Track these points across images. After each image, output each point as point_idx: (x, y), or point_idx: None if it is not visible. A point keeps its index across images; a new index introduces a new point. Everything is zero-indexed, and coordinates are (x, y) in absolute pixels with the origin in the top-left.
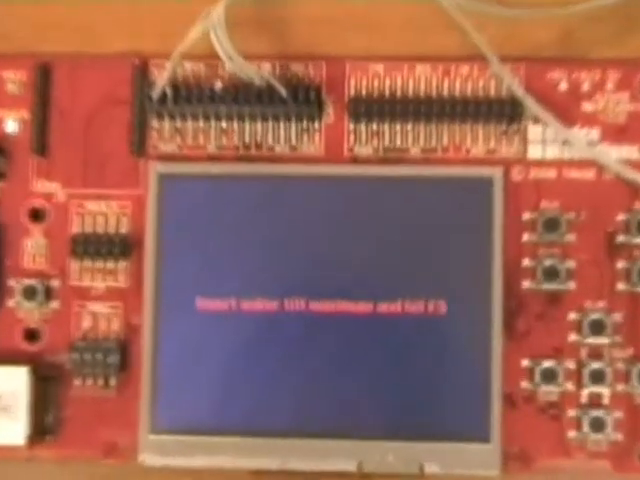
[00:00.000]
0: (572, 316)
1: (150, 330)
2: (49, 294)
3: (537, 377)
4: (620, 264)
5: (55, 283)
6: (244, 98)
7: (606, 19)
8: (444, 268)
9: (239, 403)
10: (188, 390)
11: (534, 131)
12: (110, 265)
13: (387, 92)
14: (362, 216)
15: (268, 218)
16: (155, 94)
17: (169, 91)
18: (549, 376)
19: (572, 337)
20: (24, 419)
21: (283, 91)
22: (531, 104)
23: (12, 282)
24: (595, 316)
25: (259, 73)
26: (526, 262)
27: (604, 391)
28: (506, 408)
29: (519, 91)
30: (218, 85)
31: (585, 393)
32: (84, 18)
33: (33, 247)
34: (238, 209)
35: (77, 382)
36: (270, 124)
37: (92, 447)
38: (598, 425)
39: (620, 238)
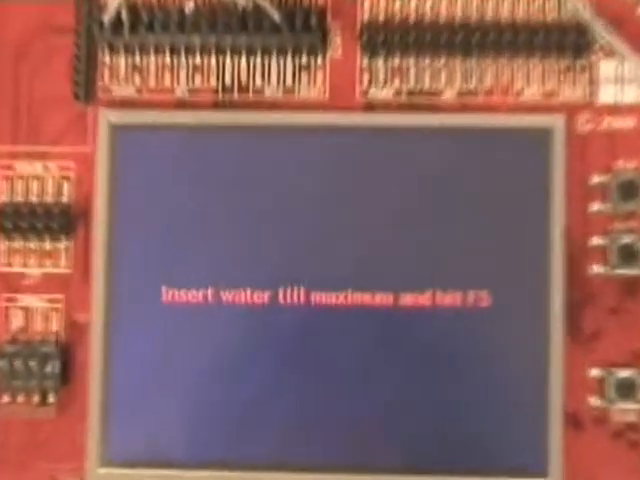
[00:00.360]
0: None
1: (101, 331)
2: None
3: (610, 391)
4: None
5: None
6: (224, 25)
7: None
8: (487, 249)
9: (216, 427)
10: (150, 410)
11: (606, 67)
12: (48, 245)
13: (412, 16)
14: (378, 180)
15: (255, 183)
16: (107, 19)
17: (125, 15)
18: (625, 390)
19: None
20: None
21: (276, 15)
22: (603, 31)
23: None
24: None
25: None
26: (595, 240)
27: None
28: (569, 432)
29: (587, 14)
30: (190, 7)
31: None
32: None
33: None
34: (216, 171)
35: (6, 398)
36: (258, 59)
37: None
38: None
39: None
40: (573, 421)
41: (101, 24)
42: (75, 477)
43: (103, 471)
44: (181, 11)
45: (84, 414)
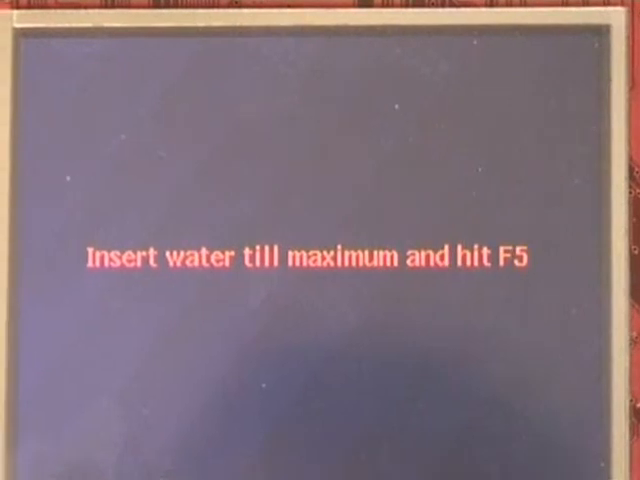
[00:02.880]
0: None
1: (5, 306)
2: None
3: None
4: None
5: None
6: None
7: None
8: (523, 189)
9: (159, 439)
10: (71, 413)
11: None
12: None
13: None
14: (378, 99)
15: (211, 103)
16: None
17: None
18: None
19: None
20: None
21: None
22: None
23: None
24: None
25: None
26: None
27: None
28: (638, 433)
29: None
30: None
31: None
32: None
33: None
34: (155, 91)
35: None
36: None
37: None
38: None
39: None
40: None
41: None
42: None
43: None
44: None
45: None
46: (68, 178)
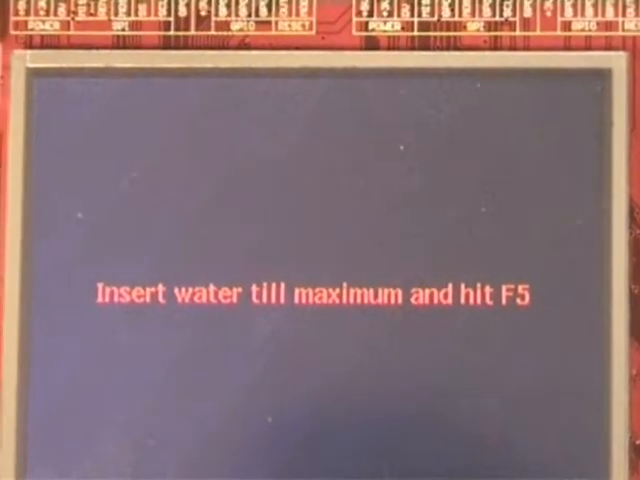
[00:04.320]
0: None
1: (16, 340)
2: None
3: None
4: None
5: None
6: None
7: None
8: (526, 229)
9: (170, 464)
10: (80, 446)
11: None
12: None
13: None
14: (383, 139)
15: (219, 144)
16: None
17: None
18: None
19: None
20: None
21: None
22: None
23: None
24: None
25: None
26: None
27: None
28: (638, 469)
29: None
30: None
31: None
32: None
33: None
34: (165, 130)
35: None
36: None
37: None
38: None
39: None
40: None
41: None
42: None
43: None
44: None
45: None
46: (79, 215)
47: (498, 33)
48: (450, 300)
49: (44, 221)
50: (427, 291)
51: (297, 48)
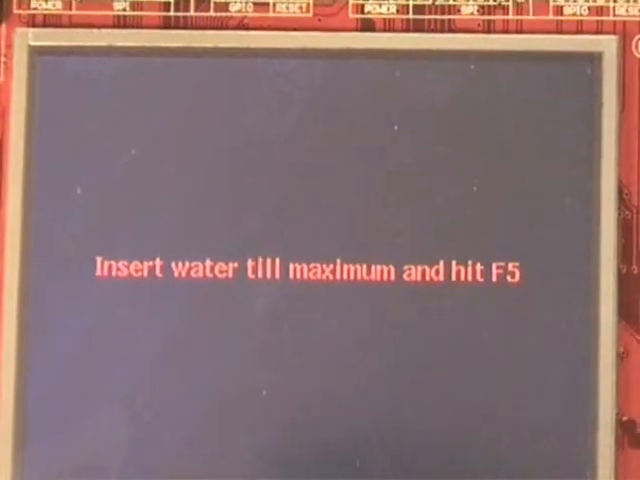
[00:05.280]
0: None
1: (15, 312)
2: None
3: None
4: None
5: None
6: None
7: None
8: (517, 209)
9: (163, 436)
10: (78, 415)
11: None
12: None
13: None
14: (378, 120)
15: (218, 122)
16: None
17: None
18: None
19: None
20: None
21: None
22: None
23: None
24: None
25: None
26: None
27: None
28: (624, 446)
29: None
30: None
31: None
32: None
33: None
34: (165, 108)
35: None
36: None
37: None
38: None
39: None
40: (629, 432)
41: None
42: None
43: None
44: None
45: None
46: (79, 190)
47: (491, 17)
48: (442, 277)
49: (44, 196)
50: (419, 268)
51: (294, 29)
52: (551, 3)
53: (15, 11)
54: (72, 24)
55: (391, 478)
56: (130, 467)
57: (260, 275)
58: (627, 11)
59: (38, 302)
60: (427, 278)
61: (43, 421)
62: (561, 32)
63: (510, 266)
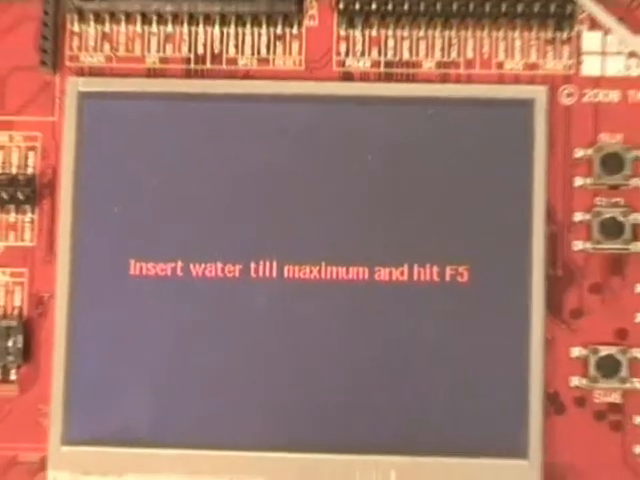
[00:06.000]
0: None
1: (65, 306)
2: None
3: (593, 371)
4: None
5: None
6: None
7: None
8: (466, 223)
9: (183, 406)
10: (115, 387)
11: (590, 39)
12: (12, 217)
13: None
14: (355, 151)
15: (226, 153)
16: None
17: None
18: (609, 369)
19: None
20: None
21: None
22: (587, 2)
23: None
24: None
25: None
26: (578, 215)
27: None
28: (550, 413)
29: None
30: None
31: None
32: None
33: None
34: (187, 141)
35: None
36: (232, 28)
37: None
38: None
39: None
40: (555, 402)
41: None
42: (37, 456)
43: (66, 449)
44: None
45: (47, 392)
46: (115, 210)
47: (446, 70)
48: (406, 277)
49: (89, 213)
50: (387, 269)
51: (290, 79)
52: (494, 60)
53: (67, 64)
54: (112, 74)
55: (364, 446)
56: (156, 430)
57: (260, 275)
58: (554, 66)
59: (85, 294)
60: (394, 278)
61: (86, 391)
62: (502, 82)
63: (460, 269)
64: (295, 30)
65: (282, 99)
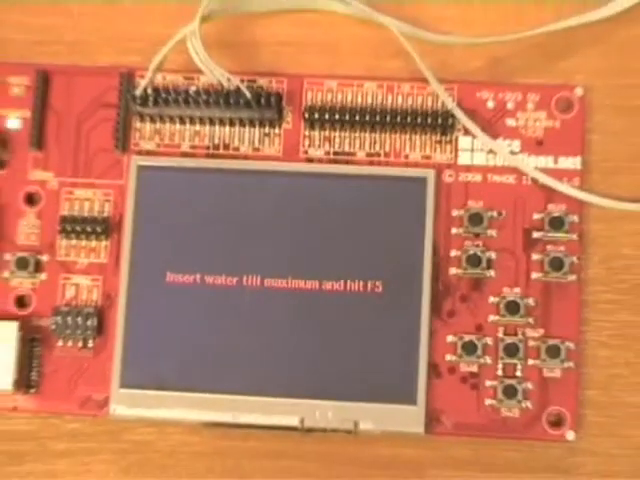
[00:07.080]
0: (492, 299)
1: (125, 300)
2: (39, 267)
3: (460, 350)
4: (535, 256)
5: (44, 258)
6: (214, 103)
7: (528, 49)
8: (382, 254)
9: (199, 365)
10: (155, 352)
11: (464, 141)
12: (93, 244)
13: (339, 104)
14: (313, 207)
15: (231, 206)
16: (137, 95)
17: (150, 95)
18: (470, 350)
19: (491, 317)
20: (12, 367)
21: (248, 94)
22: (462, 118)
23: (8, 256)
24: (511, 299)
25: (227, 75)
26: (453, 252)
27: (517, 364)
28: (432, 377)
29: (452, 107)
30: (192, 88)
31: (500, 366)
32: (78, 34)
33: (27, 226)
34: (206, 198)
35: (59, 343)
36: (236, 128)
37: (70, 400)
38: (511, 393)
39: (535, 234)
40: (435, 370)
41: (134, 99)
42: (103, 396)
43: (123, 391)
44: (187, 92)
45: (111, 355)
46: (160, 241)
47: (373, 158)
48: (341, 287)
49: (140, 243)
50: (332, 282)
51: (273, 160)
52: (402, 152)
53: (132, 147)
54: (160, 154)
55: (312, 392)
56: (181, 380)
57: (250, 284)
58: (440, 158)
59: (136, 294)
60: (335, 288)
61: (136, 355)
62: (407, 166)
63: (377, 283)
64: (277, 130)
65: (268, 174)
